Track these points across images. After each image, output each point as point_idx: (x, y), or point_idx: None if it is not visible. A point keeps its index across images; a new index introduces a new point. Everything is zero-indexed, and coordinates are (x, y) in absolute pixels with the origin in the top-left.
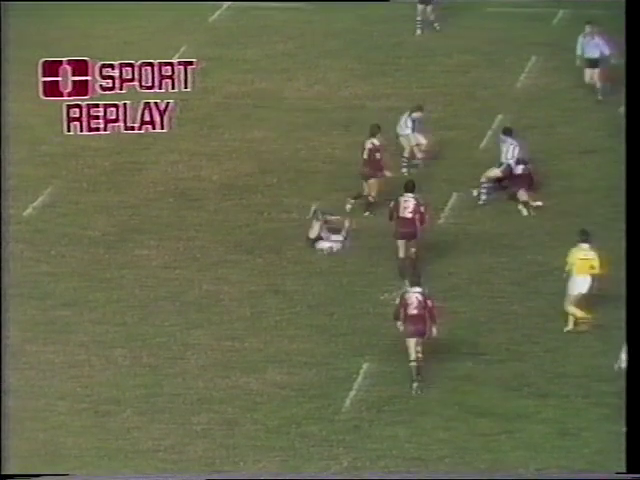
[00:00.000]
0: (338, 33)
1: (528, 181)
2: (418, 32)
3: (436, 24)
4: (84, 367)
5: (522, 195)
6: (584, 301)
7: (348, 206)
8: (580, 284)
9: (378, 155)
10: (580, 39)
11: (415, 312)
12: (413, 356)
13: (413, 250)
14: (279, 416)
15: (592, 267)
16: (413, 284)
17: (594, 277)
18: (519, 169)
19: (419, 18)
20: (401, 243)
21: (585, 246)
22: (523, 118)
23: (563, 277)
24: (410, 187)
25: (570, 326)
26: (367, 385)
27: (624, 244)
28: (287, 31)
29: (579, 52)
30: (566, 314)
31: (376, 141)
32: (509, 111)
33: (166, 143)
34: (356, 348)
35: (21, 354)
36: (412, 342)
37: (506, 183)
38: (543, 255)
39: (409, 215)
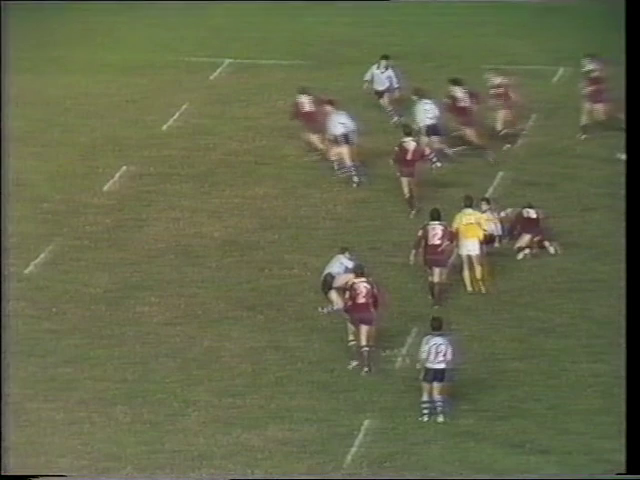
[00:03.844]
0: (338, 91)
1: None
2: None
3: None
4: (85, 424)
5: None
6: (480, 263)
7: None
8: (470, 247)
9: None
10: (373, 69)
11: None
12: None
13: (444, 277)
14: (280, 472)
15: (477, 230)
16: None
17: (482, 239)
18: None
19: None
20: (431, 271)
21: (469, 211)
22: (524, 175)
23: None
24: (436, 215)
25: (469, 288)
26: (368, 442)
27: (624, 301)
28: (287, 88)
29: (368, 78)
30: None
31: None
32: (510, 168)
33: (167, 200)
34: (357, 405)
35: (22, 411)
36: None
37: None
38: (544, 312)
39: (438, 242)
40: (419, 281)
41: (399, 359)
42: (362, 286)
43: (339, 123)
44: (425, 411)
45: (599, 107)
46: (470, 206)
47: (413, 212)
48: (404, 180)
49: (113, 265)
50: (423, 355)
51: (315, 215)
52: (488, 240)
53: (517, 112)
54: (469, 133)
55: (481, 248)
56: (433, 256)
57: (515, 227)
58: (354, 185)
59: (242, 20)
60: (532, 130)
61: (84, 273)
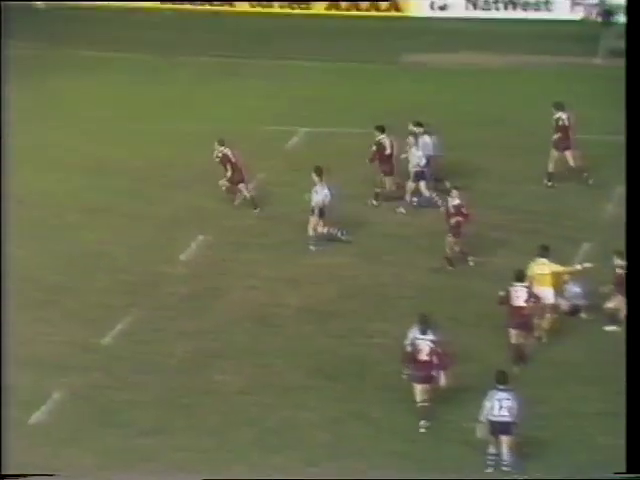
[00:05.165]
0: None
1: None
2: None
3: None
4: None
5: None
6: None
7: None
8: (543, 295)
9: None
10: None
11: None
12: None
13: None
14: None
15: (552, 279)
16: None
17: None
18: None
19: None
20: (514, 332)
21: (543, 260)
22: (610, 246)
23: None
24: (520, 276)
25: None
26: None
27: None
28: (364, 156)
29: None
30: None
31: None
32: (595, 239)
33: (244, 268)
34: (440, 475)
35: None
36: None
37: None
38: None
39: (522, 304)
40: (501, 350)
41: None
42: (425, 344)
43: None
44: (490, 463)
45: (567, 154)
46: (545, 256)
47: (400, 209)
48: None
49: (190, 334)
50: (487, 408)
51: (397, 283)
52: (573, 311)
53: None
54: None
55: (555, 297)
56: (517, 319)
57: (606, 285)
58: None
59: (320, 88)
60: (618, 200)
61: (161, 343)
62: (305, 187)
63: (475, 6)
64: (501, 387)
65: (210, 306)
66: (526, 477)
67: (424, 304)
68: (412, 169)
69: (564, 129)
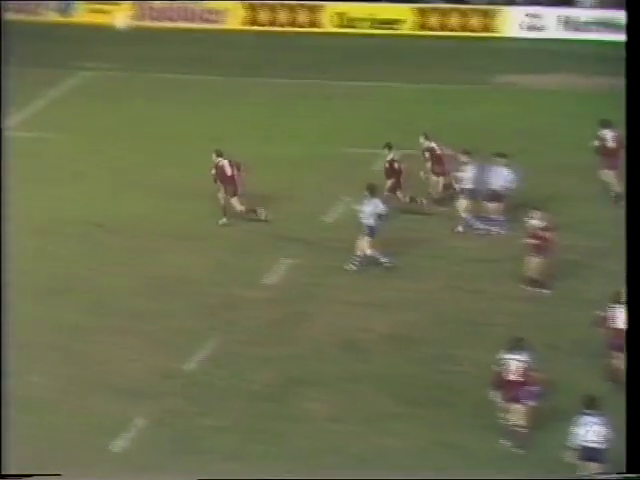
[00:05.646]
0: None
1: None
2: None
3: None
4: None
5: None
6: None
7: None
8: None
9: None
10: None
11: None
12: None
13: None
14: None
15: None
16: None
17: None
18: None
19: None
20: (612, 354)
21: None
22: None
23: None
24: (618, 298)
25: None
26: None
27: None
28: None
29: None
30: None
31: None
32: None
33: (329, 293)
34: None
35: None
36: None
37: None
38: None
39: (621, 326)
40: (595, 376)
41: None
42: (514, 363)
43: None
44: None
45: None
46: None
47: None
48: (399, 193)
49: (275, 360)
50: (577, 434)
51: (489, 310)
52: None
53: None
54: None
55: None
56: (615, 340)
57: None
58: None
59: (409, 110)
60: None
61: (244, 368)
62: (390, 212)
63: (567, 27)
64: (590, 412)
65: (294, 331)
66: (527, 478)
67: (514, 330)
68: (460, 186)
69: (606, 148)
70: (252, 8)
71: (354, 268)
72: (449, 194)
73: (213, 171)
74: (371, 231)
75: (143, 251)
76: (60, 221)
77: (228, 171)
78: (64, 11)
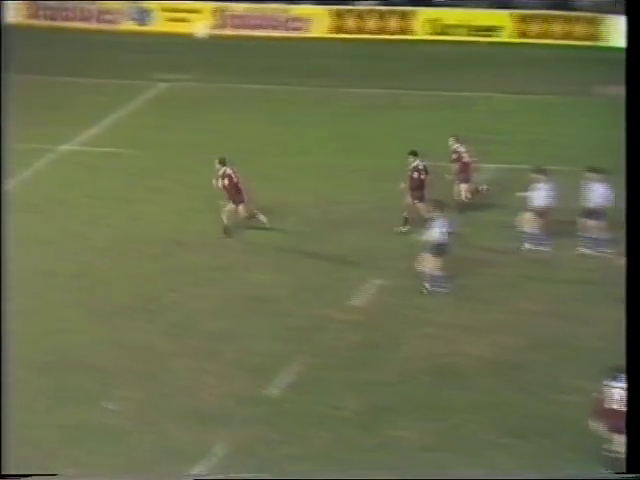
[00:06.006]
0: None
1: None
2: None
3: None
4: None
5: None
6: None
7: None
8: None
9: None
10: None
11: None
12: None
13: None
14: None
15: None
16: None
17: None
18: None
19: None
20: None
21: None
22: None
23: None
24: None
25: None
26: None
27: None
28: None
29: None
30: None
31: None
32: None
33: (420, 315)
34: None
35: None
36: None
37: None
38: None
39: None
40: None
41: None
42: (616, 391)
43: None
44: None
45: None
46: None
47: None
48: (420, 206)
49: (362, 385)
50: None
51: (591, 335)
52: None
53: None
54: None
55: None
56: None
57: None
58: None
59: (500, 121)
60: None
61: (329, 394)
62: (482, 226)
63: None
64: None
65: (383, 355)
66: (525, 477)
67: (617, 357)
68: (536, 204)
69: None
70: (339, 15)
71: (429, 290)
72: (475, 201)
73: (221, 182)
74: (440, 250)
75: (224, 269)
76: (138, 239)
77: (234, 179)
78: (142, 20)
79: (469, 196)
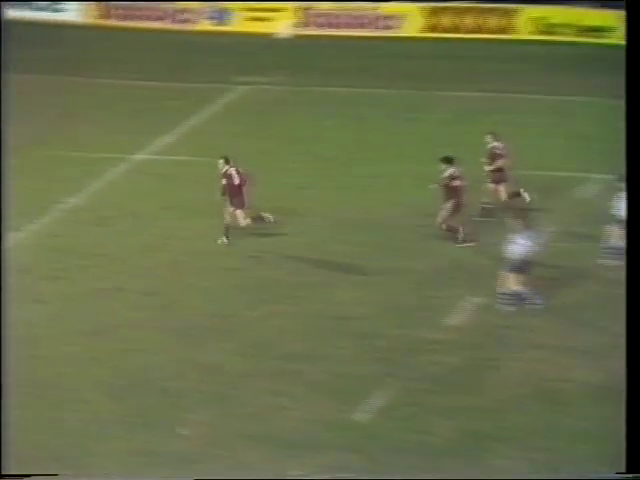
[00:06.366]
0: None
1: None
2: None
3: None
4: None
5: None
6: None
7: None
8: None
9: None
10: None
11: None
12: None
13: None
14: None
15: None
16: None
17: None
18: None
19: None
20: None
21: None
22: None
23: None
24: None
25: None
26: None
27: None
28: None
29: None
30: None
31: None
32: None
33: (523, 335)
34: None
35: None
36: None
37: None
38: None
39: None
40: None
41: None
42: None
43: None
44: None
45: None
46: None
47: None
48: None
49: (459, 411)
50: None
51: None
52: None
53: None
54: None
55: None
56: None
57: None
58: None
59: (609, 127)
60: None
61: (424, 420)
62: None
63: None
64: None
65: (482, 379)
66: (525, 477)
67: None
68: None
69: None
70: (434, 12)
71: (509, 308)
72: (513, 205)
73: (223, 181)
74: (523, 266)
75: (304, 286)
76: (214, 253)
77: (236, 180)
78: (220, 20)
79: (507, 198)
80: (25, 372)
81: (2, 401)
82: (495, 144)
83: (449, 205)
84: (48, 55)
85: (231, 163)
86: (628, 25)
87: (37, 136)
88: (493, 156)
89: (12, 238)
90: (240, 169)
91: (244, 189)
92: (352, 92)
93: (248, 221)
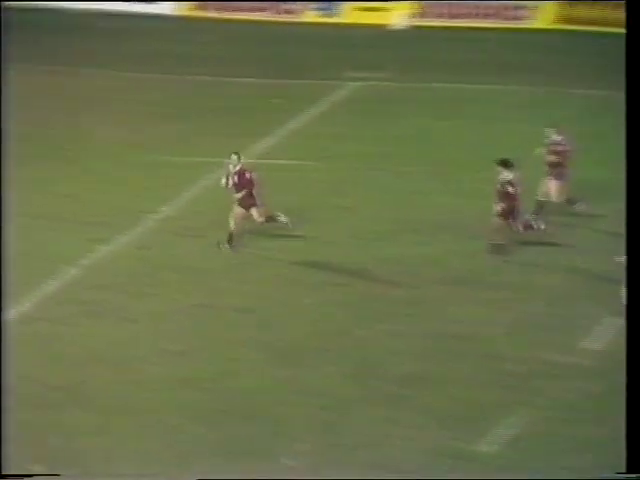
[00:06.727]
0: None
1: None
2: None
3: None
4: None
5: None
6: None
7: None
8: None
9: None
10: None
11: None
12: None
13: None
14: None
15: None
16: None
17: None
18: None
19: None
20: None
21: None
22: None
23: None
24: None
25: None
26: None
27: None
28: None
29: None
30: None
31: None
32: None
33: None
34: None
35: None
36: None
37: None
38: None
39: None
40: None
41: None
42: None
43: None
44: None
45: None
46: None
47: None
48: (512, 222)
49: (599, 443)
50: None
51: None
52: None
53: None
54: None
55: None
56: None
57: None
58: None
59: None
60: None
61: (558, 451)
62: None
63: None
64: None
65: (622, 409)
66: (526, 477)
67: None
68: None
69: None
70: (569, 3)
71: None
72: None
73: (232, 179)
74: None
75: (418, 302)
76: (316, 266)
77: (249, 177)
78: (328, 10)
79: (559, 197)
80: (108, 395)
81: (2, 402)
82: (556, 137)
83: (498, 208)
84: (139, 51)
85: (242, 159)
86: (628, 17)
87: (132, 139)
88: (556, 151)
89: (101, 250)
90: (246, 166)
91: (257, 186)
92: (475, 89)
93: (263, 220)
